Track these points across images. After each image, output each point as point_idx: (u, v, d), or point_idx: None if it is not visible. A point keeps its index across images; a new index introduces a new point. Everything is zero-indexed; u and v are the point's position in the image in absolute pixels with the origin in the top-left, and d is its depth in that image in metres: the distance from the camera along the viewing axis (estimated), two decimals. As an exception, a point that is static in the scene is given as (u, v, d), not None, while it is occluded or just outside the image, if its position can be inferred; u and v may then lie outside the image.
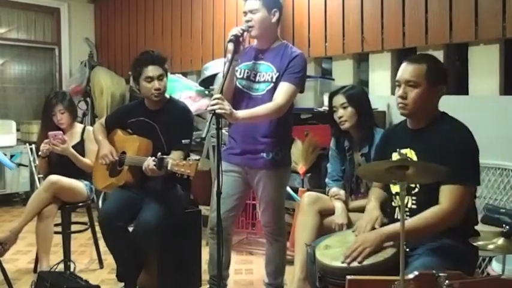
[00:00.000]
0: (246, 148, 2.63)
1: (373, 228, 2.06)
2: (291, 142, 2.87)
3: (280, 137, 2.64)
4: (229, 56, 2.46)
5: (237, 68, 2.63)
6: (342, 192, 2.71)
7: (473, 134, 1.99)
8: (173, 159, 2.61)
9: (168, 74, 3.03)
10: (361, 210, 2.36)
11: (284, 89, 2.51)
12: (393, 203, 2.14)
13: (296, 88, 2.55)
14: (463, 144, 1.96)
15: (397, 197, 2.06)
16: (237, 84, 2.65)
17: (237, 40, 2.47)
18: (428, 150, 1.99)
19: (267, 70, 2.60)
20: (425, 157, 1.96)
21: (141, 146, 2.89)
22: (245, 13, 2.59)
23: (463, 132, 1.99)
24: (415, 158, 2.03)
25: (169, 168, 2.57)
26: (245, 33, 2.53)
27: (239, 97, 2.64)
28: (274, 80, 2.56)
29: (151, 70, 2.86)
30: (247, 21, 2.56)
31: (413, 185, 2.04)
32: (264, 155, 2.60)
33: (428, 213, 1.91)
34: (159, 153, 2.65)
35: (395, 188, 2.11)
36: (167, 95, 3.04)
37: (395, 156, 2.08)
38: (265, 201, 2.69)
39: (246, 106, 2.54)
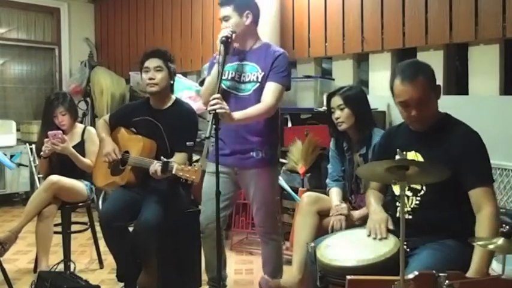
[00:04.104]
0: (235, 148, 2.65)
1: (387, 228, 2.06)
2: (278, 140, 2.88)
3: (268, 136, 2.67)
4: (220, 57, 2.49)
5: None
6: (344, 205, 2.65)
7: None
8: (178, 163, 2.61)
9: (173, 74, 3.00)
10: (366, 219, 2.33)
11: (272, 89, 2.56)
12: (397, 203, 2.14)
13: (283, 87, 2.61)
14: (481, 147, 1.99)
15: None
16: (222, 85, 2.65)
17: (227, 41, 2.50)
18: (438, 154, 1.99)
19: (251, 70, 2.63)
20: (435, 161, 1.95)
21: (145, 146, 2.88)
22: (220, 20, 2.65)
23: (475, 135, 2.01)
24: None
25: (173, 172, 2.57)
26: (233, 35, 2.56)
27: (225, 98, 2.64)
28: (259, 79, 2.60)
29: (149, 62, 2.91)
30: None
31: (418, 187, 2.05)
32: (254, 154, 2.63)
33: (486, 223, 1.89)
34: (163, 157, 2.63)
35: (397, 189, 2.11)
36: (173, 96, 3.03)
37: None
38: (257, 201, 2.70)
39: (233, 106, 2.54)
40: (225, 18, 2.62)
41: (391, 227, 2.08)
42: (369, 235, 2.07)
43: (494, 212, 1.91)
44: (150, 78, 2.89)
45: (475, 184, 1.94)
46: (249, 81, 2.63)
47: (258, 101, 2.57)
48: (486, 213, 1.90)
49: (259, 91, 2.59)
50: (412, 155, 2.07)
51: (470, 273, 1.79)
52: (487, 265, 1.84)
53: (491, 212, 1.90)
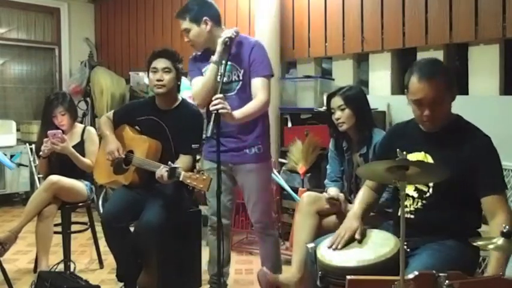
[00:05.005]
0: (229, 146, 2.66)
1: (353, 238, 2.04)
2: (269, 136, 2.87)
3: (259, 131, 2.69)
4: (217, 57, 2.50)
5: (204, 70, 2.66)
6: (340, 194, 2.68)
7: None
8: (185, 169, 2.60)
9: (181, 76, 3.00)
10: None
11: (260, 84, 2.60)
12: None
13: (268, 79, 2.64)
14: (493, 152, 1.97)
15: (406, 197, 2.04)
16: None
17: (230, 42, 2.51)
18: (448, 156, 1.96)
19: (230, 70, 2.63)
20: (445, 163, 1.92)
21: (151, 147, 2.85)
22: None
23: (487, 138, 1.99)
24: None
25: (181, 179, 2.55)
26: (237, 36, 2.56)
27: None
28: (241, 77, 2.63)
29: (157, 62, 2.88)
30: (187, 41, 2.67)
31: (425, 189, 2.03)
32: (247, 151, 2.66)
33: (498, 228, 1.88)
34: (170, 163, 2.61)
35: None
36: (180, 97, 3.02)
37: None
38: (253, 197, 2.72)
39: None
40: (186, 31, 2.65)
41: (358, 236, 2.04)
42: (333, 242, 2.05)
43: (508, 219, 1.89)
44: (158, 80, 2.85)
45: (488, 192, 1.92)
46: (231, 81, 2.64)
47: (245, 98, 2.59)
48: (500, 221, 1.88)
49: (243, 88, 2.62)
50: (421, 156, 2.03)
51: None
52: (503, 268, 1.83)
53: (505, 220, 1.88)
